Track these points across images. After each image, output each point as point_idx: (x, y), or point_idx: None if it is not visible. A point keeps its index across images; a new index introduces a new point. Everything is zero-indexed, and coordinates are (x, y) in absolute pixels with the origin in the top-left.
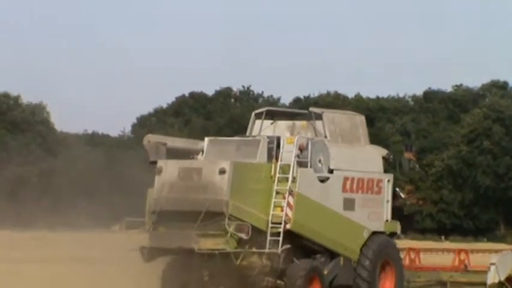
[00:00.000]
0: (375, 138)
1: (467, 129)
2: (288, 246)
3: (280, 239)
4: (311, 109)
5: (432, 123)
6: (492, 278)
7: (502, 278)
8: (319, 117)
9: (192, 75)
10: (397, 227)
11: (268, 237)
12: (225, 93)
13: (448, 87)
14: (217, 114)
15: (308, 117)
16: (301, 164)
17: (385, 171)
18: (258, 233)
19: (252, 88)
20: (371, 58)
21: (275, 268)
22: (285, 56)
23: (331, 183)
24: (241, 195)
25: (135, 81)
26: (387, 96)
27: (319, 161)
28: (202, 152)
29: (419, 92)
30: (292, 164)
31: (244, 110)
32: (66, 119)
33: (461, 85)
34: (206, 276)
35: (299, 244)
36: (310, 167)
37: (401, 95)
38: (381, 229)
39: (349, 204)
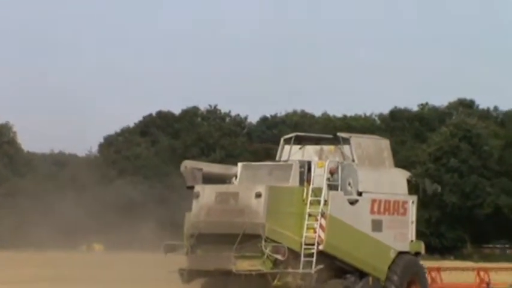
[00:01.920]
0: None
1: (434, 148)
2: (321, 266)
3: (314, 259)
4: (339, 134)
5: (399, 141)
6: None
7: None
8: (346, 141)
9: (159, 94)
10: (422, 246)
11: (302, 258)
12: (191, 112)
13: (414, 106)
14: (185, 133)
15: (335, 141)
16: (331, 187)
17: (409, 193)
18: (292, 254)
19: (218, 107)
20: (337, 77)
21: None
22: (251, 75)
23: (360, 206)
24: (276, 218)
25: (101, 100)
26: (354, 115)
27: (349, 184)
28: (236, 176)
29: (385, 111)
30: (323, 187)
31: (211, 128)
32: (33, 139)
33: (427, 104)
34: None
35: (331, 265)
36: (341, 190)
37: (368, 113)
38: (407, 249)
39: (377, 226)
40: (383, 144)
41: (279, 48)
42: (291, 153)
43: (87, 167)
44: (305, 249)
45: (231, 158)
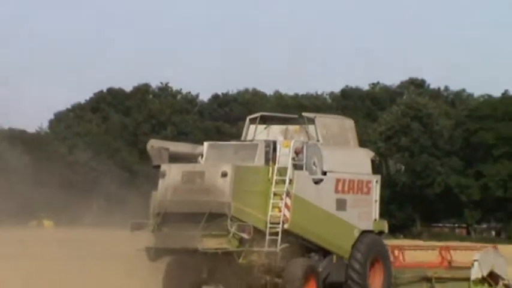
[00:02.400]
0: None
1: (385, 127)
2: (286, 245)
3: (279, 238)
4: (304, 114)
5: None
6: (476, 273)
7: (485, 274)
8: (311, 121)
9: (110, 70)
10: (385, 225)
11: (268, 237)
12: (143, 89)
13: (365, 85)
14: (136, 110)
15: (300, 121)
16: (296, 167)
17: (373, 172)
18: (257, 233)
19: (170, 84)
20: (290, 55)
21: (273, 266)
22: (203, 53)
23: (325, 185)
24: (242, 197)
25: (53, 76)
26: (306, 94)
27: (314, 164)
28: (202, 156)
29: (337, 90)
30: (288, 167)
31: (162, 106)
32: None
33: (378, 83)
34: (205, 274)
35: (296, 243)
36: (305, 169)
37: (319, 92)
38: (370, 228)
39: (341, 205)
40: (347, 124)
41: (232, 27)
42: (256, 132)
43: (38, 143)
44: (270, 228)
45: (182, 136)
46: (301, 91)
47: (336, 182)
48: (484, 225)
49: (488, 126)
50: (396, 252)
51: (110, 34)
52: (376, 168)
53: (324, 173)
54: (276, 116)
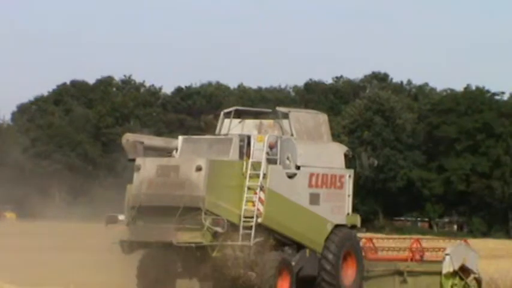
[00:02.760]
0: None
1: (348, 120)
2: (259, 239)
3: (252, 232)
4: (278, 108)
5: None
6: (447, 267)
7: (456, 267)
8: (285, 116)
9: (74, 63)
10: (358, 220)
11: (241, 231)
12: (106, 82)
13: (328, 79)
14: (99, 102)
15: (274, 116)
16: (270, 161)
17: (346, 167)
18: (231, 227)
19: (133, 77)
20: (253, 49)
21: (247, 260)
22: (166, 46)
23: (298, 179)
24: (216, 191)
25: (16, 68)
26: (269, 87)
27: (287, 158)
28: (176, 150)
29: (300, 83)
30: (262, 161)
31: (126, 99)
32: None
33: (341, 77)
34: (180, 268)
35: (269, 237)
36: (279, 163)
37: (282, 86)
38: (343, 222)
39: (314, 199)
40: (321, 119)
41: (195, 20)
42: (231, 127)
43: (0, 136)
44: (244, 222)
45: (145, 128)
46: (265, 84)
47: (310, 177)
48: (446, 219)
49: (451, 120)
50: (368, 245)
51: (73, 27)
52: (349, 163)
53: (298, 168)
54: (251, 111)
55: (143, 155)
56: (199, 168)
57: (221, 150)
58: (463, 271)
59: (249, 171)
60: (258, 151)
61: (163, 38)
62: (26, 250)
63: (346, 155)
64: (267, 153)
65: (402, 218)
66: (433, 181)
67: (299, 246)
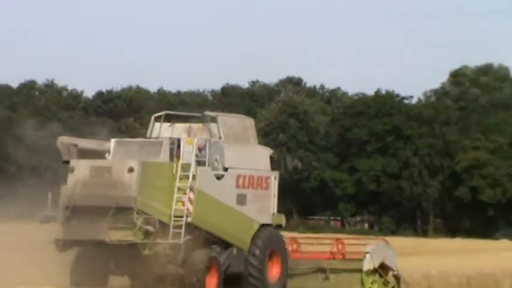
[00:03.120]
0: None
1: (263, 123)
2: (189, 237)
3: (182, 231)
4: (206, 113)
5: None
6: (368, 265)
7: (376, 265)
8: (214, 120)
9: None
10: (283, 219)
11: (172, 230)
12: (29, 86)
13: (245, 83)
14: (22, 106)
15: (203, 120)
16: (199, 163)
17: (272, 169)
18: (162, 226)
19: (55, 81)
20: (173, 54)
21: (177, 257)
22: (88, 51)
23: (226, 180)
24: (148, 192)
25: None
26: (188, 91)
27: (216, 160)
28: (109, 152)
29: (217, 88)
30: (192, 163)
31: (49, 102)
32: None
33: (257, 81)
34: (112, 265)
35: (198, 236)
36: (208, 165)
37: (201, 90)
38: (269, 222)
39: (241, 199)
40: (248, 123)
41: (118, 23)
42: (161, 130)
43: None
44: (174, 221)
45: (67, 132)
46: (183, 88)
47: (237, 178)
48: (358, 218)
49: (362, 123)
50: (294, 245)
51: None
52: (274, 165)
53: (226, 169)
54: (180, 115)
55: (77, 157)
56: (131, 170)
57: (152, 152)
58: (383, 268)
59: (179, 173)
60: (188, 153)
61: (85, 42)
62: None
63: (271, 158)
64: (196, 156)
65: (316, 217)
66: (345, 181)
67: (227, 245)
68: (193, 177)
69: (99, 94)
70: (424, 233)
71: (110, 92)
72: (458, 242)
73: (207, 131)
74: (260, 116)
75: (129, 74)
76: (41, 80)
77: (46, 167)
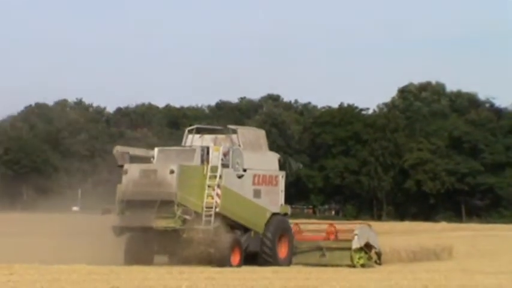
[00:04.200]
0: (180, 139)
1: None
2: (217, 224)
3: (212, 219)
4: (229, 126)
5: None
6: (356, 243)
7: (362, 244)
8: (234, 132)
9: (37, 88)
10: (288, 209)
11: (204, 218)
12: (62, 104)
13: (235, 99)
14: (57, 120)
15: (226, 132)
16: (224, 166)
17: (279, 169)
18: (196, 215)
19: (84, 100)
20: (178, 75)
21: (208, 240)
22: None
23: (245, 179)
24: (185, 188)
25: None
26: (188, 106)
27: (237, 163)
28: (153, 157)
29: (213, 103)
30: (218, 166)
31: (78, 116)
32: None
33: (245, 97)
34: (156, 247)
35: (224, 223)
36: (231, 167)
37: (199, 105)
38: (278, 211)
39: (257, 194)
40: (260, 134)
41: (127, 49)
42: (193, 140)
43: None
44: (206, 211)
45: (93, 140)
46: (186, 104)
47: (253, 177)
48: (326, 206)
49: (329, 130)
50: (296, 228)
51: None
52: (281, 166)
53: (245, 170)
54: (208, 128)
55: (129, 162)
56: (172, 172)
57: (187, 157)
58: (367, 247)
59: (208, 173)
60: (215, 158)
61: (108, 67)
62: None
63: (279, 161)
64: (222, 160)
65: (293, 206)
66: (316, 177)
67: (246, 229)
68: (220, 177)
69: (118, 109)
70: (379, 218)
71: (127, 107)
72: (406, 225)
73: (229, 140)
74: (247, 126)
75: (142, 93)
76: (71, 99)
77: (77, 168)
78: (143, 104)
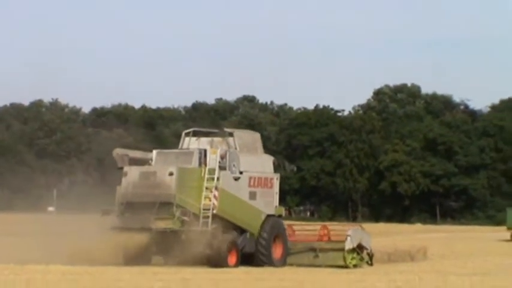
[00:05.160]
0: (156, 140)
1: None
2: (215, 225)
3: (210, 220)
4: (225, 129)
5: (199, 128)
6: (348, 245)
7: (355, 245)
8: (231, 135)
9: (12, 88)
10: (283, 211)
11: (201, 219)
12: (38, 104)
13: (211, 100)
14: (32, 120)
15: (223, 135)
16: (221, 168)
17: (274, 172)
18: (194, 217)
19: (59, 100)
20: (153, 76)
21: (206, 241)
22: (85, 73)
23: (241, 181)
24: (183, 190)
25: None
26: (164, 107)
27: (233, 166)
28: (152, 160)
29: (189, 104)
30: (216, 168)
31: (53, 117)
32: None
33: (221, 98)
34: (154, 247)
35: (221, 224)
36: (228, 170)
37: (175, 106)
38: (273, 212)
39: (252, 195)
40: (256, 137)
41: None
42: (190, 143)
43: None
44: (203, 212)
45: (68, 140)
46: (161, 105)
47: (249, 179)
48: (301, 208)
49: (305, 131)
50: (290, 230)
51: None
52: (275, 169)
53: (241, 173)
54: (204, 131)
55: (129, 164)
56: (171, 174)
57: (185, 160)
58: (360, 248)
59: (206, 176)
60: (213, 161)
61: (82, 66)
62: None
63: (274, 163)
64: (219, 162)
65: None
66: (291, 178)
67: (242, 230)
68: (217, 179)
69: (94, 110)
70: (354, 219)
71: (103, 108)
72: (381, 226)
73: (226, 143)
74: (223, 127)
75: (118, 93)
76: (47, 99)
77: (53, 169)
78: (119, 105)
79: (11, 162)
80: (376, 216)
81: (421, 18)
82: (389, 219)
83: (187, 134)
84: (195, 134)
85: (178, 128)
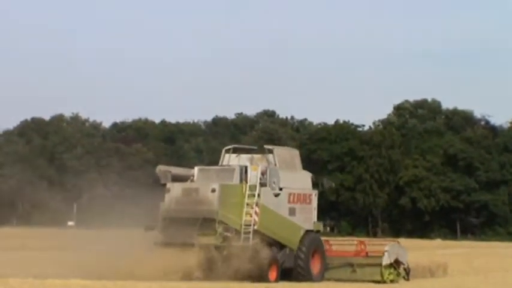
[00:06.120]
0: (175, 155)
1: None
2: (256, 241)
3: (251, 236)
4: (265, 146)
5: (219, 143)
6: (386, 260)
7: (392, 260)
8: (271, 151)
9: (33, 102)
10: (321, 226)
11: (242, 235)
12: (58, 118)
13: (231, 115)
14: (53, 134)
15: (262, 151)
16: (262, 184)
17: (312, 188)
18: (236, 232)
19: (80, 114)
20: (174, 91)
21: (247, 256)
22: (106, 89)
23: (281, 197)
24: (225, 207)
25: None
26: (184, 122)
27: (274, 182)
28: (193, 176)
29: (209, 118)
30: (257, 185)
31: (74, 131)
32: None
33: (241, 113)
34: (196, 262)
35: (262, 239)
36: (268, 186)
37: (196, 120)
38: (311, 228)
39: (292, 211)
40: (294, 153)
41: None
42: (230, 159)
43: None
44: (244, 228)
45: (88, 155)
46: (181, 119)
47: (289, 195)
48: (322, 223)
49: (324, 146)
50: (327, 245)
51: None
52: (314, 185)
53: (281, 189)
54: (245, 148)
55: (171, 180)
56: (213, 190)
57: (227, 176)
58: (396, 263)
59: (247, 192)
60: (253, 177)
61: (104, 81)
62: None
63: (312, 179)
64: (260, 179)
65: None
66: None
67: (281, 246)
68: (258, 195)
69: (114, 125)
70: (374, 235)
71: (123, 122)
72: (401, 242)
73: (265, 160)
74: (243, 142)
75: (138, 108)
76: (67, 114)
77: (73, 184)
78: (139, 119)
79: (31, 176)
80: (396, 231)
81: (442, 33)
82: (409, 234)
83: (227, 151)
84: (235, 150)
85: (199, 143)
